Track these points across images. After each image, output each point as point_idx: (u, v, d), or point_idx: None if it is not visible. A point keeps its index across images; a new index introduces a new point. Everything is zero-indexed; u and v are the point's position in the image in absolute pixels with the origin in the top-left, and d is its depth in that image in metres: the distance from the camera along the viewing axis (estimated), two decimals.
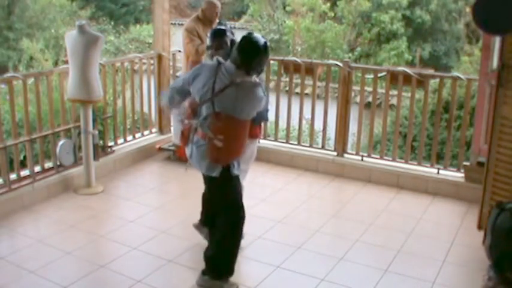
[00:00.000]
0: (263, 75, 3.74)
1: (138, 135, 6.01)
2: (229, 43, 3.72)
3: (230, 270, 3.45)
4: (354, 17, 14.51)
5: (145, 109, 6.23)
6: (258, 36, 3.29)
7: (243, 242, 3.75)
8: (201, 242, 4.05)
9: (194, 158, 3.37)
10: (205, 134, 3.25)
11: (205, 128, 3.25)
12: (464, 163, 5.01)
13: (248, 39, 3.23)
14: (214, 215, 3.55)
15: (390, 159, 5.42)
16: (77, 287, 3.45)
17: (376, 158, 5.48)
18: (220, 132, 3.20)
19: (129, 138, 5.89)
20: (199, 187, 3.74)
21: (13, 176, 4.62)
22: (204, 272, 3.46)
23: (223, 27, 3.84)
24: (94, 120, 5.03)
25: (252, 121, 3.44)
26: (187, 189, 5.06)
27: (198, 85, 3.28)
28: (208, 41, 3.86)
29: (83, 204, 4.72)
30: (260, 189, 5.15)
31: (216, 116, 3.20)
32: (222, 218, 3.43)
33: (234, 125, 3.22)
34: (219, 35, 3.75)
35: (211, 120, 3.22)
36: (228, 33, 3.76)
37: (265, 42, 3.26)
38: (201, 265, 3.49)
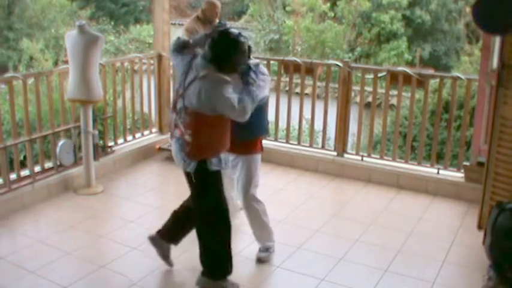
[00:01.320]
0: (266, 79, 3.51)
1: (138, 135, 6.01)
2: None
3: (227, 269, 3.44)
4: (354, 17, 14.49)
5: (145, 109, 6.23)
6: (233, 31, 3.21)
7: (246, 244, 3.75)
8: None
9: (174, 153, 3.38)
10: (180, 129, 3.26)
11: (180, 122, 3.25)
12: (464, 163, 5.01)
13: (220, 35, 3.17)
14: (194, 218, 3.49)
15: (390, 159, 5.42)
16: (77, 287, 3.45)
17: (376, 158, 5.47)
18: (189, 127, 3.20)
19: (129, 138, 5.89)
20: None
21: (13, 176, 4.62)
22: (202, 273, 3.46)
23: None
24: (94, 120, 5.04)
25: (255, 135, 3.49)
26: (187, 189, 5.04)
27: (177, 80, 3.33)
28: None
29: (83, 204, 4.72)
30: (260, 189, 5.12)
31: (185, 110, 3.20)
32: (205, 218, 3.38)
33: (200, 120, 3.17)
34: None
35: (183, 115, 3.22)
36: (241, 38, 3.48)
37: (238, 38, 3.17)
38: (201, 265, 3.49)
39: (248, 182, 3.73)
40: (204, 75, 3.13)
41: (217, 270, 3.43)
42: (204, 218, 3.39)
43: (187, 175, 3.35)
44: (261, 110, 3.57)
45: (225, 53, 3.15)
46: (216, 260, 3.43)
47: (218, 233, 3.39)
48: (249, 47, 3.46)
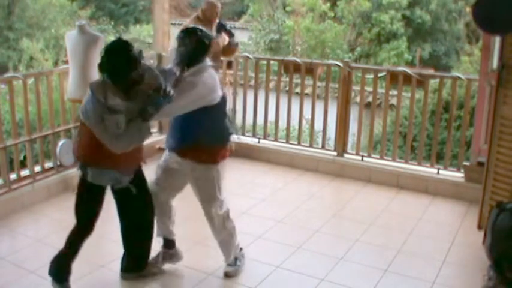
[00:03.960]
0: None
1: None
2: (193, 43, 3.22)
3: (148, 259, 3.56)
4: (354, 17, 14.50)
5: None
6: (117, 39, 3.15)
7: (246, 244, 3.76)
8: (201, 241, 4.05)
9: None
10: None
11: None
12: (464, 163, 5.01)
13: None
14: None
15: (390, 159, 5.42)
16: (76, 287, 3.45)
17: (376, 158, 5.48)
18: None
19: None
20: None
21: (13, 176, 4.62)
22: (128, 270, 3.60)
23: (197, 27, 3.38)
24: None
25: (215, 142, 3.30)
26: (186, 189, 5.05)
27: None
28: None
29: None
30: (260, 189, 5.15)
31: None
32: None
33: (80, 125, 3.19)
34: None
35: None
36: (200, 33, 3.24)
37: (112, 44, 3.08)
38: (200, 265, 3.49)
39: (207, 199, 3.43)
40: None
41: (143, 262, 3.55)
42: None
43: None
44: (212, 113, 3.25)
45: (102, 59, 3.06)
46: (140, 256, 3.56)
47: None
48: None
